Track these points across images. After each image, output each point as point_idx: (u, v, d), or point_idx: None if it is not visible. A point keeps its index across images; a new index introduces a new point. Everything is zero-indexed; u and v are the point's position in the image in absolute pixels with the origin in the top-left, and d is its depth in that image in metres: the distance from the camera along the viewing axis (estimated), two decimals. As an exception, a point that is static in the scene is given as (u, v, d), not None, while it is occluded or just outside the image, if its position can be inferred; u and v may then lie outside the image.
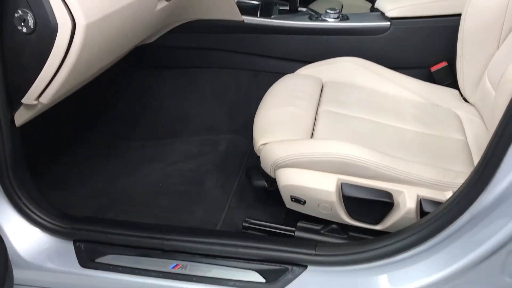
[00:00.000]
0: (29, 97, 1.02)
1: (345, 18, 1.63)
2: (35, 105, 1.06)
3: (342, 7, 2.24)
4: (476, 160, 1.23)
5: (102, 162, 1.64)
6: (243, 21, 1.63)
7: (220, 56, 1.72)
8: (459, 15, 1.44)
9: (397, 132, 1.33)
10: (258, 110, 1.39)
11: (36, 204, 1.11)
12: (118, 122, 1.81)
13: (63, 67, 0.98)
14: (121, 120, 1.80)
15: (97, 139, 1.74)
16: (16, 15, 0.93)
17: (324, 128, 1.30)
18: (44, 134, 1.57)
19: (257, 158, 1.27)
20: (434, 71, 1.60)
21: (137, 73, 1.79)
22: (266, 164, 1.22)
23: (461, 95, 1.53)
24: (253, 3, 1.85)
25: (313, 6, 2.06)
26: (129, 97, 1.82)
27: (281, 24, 1.63)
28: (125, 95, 1.82)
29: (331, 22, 1.62)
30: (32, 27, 0.93)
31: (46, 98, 1.03)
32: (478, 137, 1.35)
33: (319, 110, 1.39)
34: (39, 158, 1.46)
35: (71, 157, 1.65)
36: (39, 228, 1.12)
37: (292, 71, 1.58)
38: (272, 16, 1.71)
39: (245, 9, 1.68)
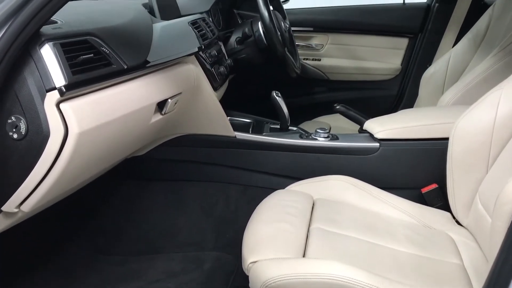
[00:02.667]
0: (10, 205, 0.97)
1: (334, 137, 1.67)
2: (15, 213, 1.01)
3: (330, 128, 2.32)
4: (476, 285, 1.18)
5: (79, 278, 1.53)
6: (235, 136, 1.65)
7: (210, 170, 1.71)
8: (447, 138, 1.48)
9: (391, 253, 1.28)
10: (248, 225, 1.35)
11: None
12: (99, 235, 1.73)
13: (49, 176, 0.95)
14: (103, 233, 1.73)
15: (76, 252, 1.65)
16: (9, 121, 0.92)
17: (317, 247, 1.25)
18: (20, 244, 1.48)
19: (245, 278, 1.20)
20: (424, 193, 1.60)
21: (123, 185, 1.76)
22: (256, 284, 1.14)
23: (454, 217, 1.51)
24: (245, 121, 1.90)
25: (302, 126, 2.12)
26: (113, 209, 1.76)
27: (272, 141, 1.66)
28: (109, 207, 1.77)
29: (321, 141, 1.65)
30: (23, 133, 0.92)
31: (28, 207, 0.98)
32: (476, 262, 1.31)
33: (311, 227, 1.35)
34: (11, 271, 1.36)
35: (47, 271, 1.54)
36: None
37: (282, 187, 1.56)
38: (264, 133, 1.74)
39: (237, 126, 1.71)
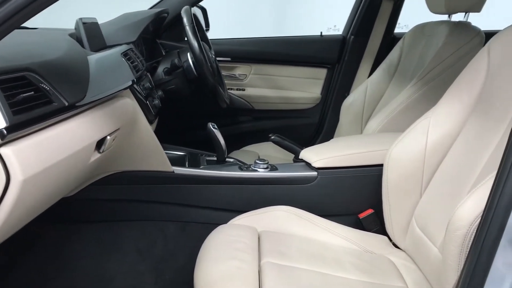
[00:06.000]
0: None
1: (274, 168, 1.67)
2: None
3: (259, 157, 2.33)
4: (425, 307, 1.22)
5: None
6: (173, 171, 1.59)
7: (146, 208, 1.62)
8: (381, 165, 1.55)
9: (343, 282, 1.30)
10: (197, 265, 1.29)
11: None
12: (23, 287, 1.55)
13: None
14: (27, 285, 1.55)
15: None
16: None
17: (272, 282, 1.22)
18: None
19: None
20: (362, 218, 1.65)
21: (49, 229, 1.60)
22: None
23: (391, 241, 1.58)
24: (179, 154, 1.84)
25: (231, 155, 2.10)
26: (39, 256, 1.59)
27: (212, 174, 1.61)
28: (34, 254, 1.59)
29: (261, 172, 1.64)
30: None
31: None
32: (419, 284, 1.36)
33: (262, 262, 1.32)
34: None
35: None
36: None
37: (224, 221, 1.52)
38: (201, 167, 1.70)
39: (172, 160, 1.65)
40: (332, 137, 2.54)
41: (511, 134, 0.83)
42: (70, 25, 1.73)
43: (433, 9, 1.99)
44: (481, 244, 0.83)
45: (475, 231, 0.96)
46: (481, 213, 0.97)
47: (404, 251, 1.54)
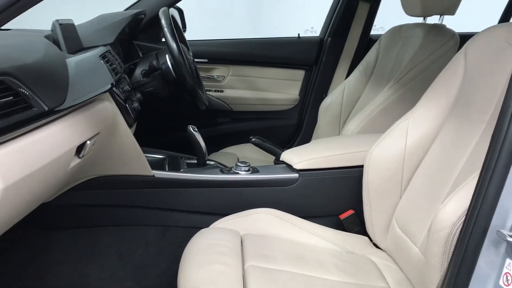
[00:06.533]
0: None
1: (255, 170, 1.66)
2: None
3: (238, 159, 2.33)
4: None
5: None
6: (154, 175, 1.57)
7: (126, 213, 1.60)
8: (361, 166, 1.57)
9: (326, 284, 1.31)
10: (180, 270, 1.27)
11: None
12: (-2, 296, 1.50)
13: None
14: (3, 293, 1.51)
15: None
16: None
17: (256, 286, 1.22)
18: None
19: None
20: (343, 219, 1.67)
21: (26, 236, 1.56)
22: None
23: (371, 241, 1.59)
24: (158, 157, 1.81)
25: (210, 157, 2.09)
26: (16, 264, 1.54)
27: (193, 178, 1.60)
28: (11, 261, 1.55)
29: (243, 174, 1.64)
30: None
31: None
32: (400, 283, 1.38)
33: (245, 266, 1.32)
34: None
35: None
36: None
37: (205, 225, 1.51)
38: (182, 170, 1.68)
39: (151, 164, 1.62)
40: (310, 138, 2.56)
41: (493, 137, 0.85)
42: (40, 26, 1.69)
43: (409, 11, 2.02)
44: (466, 245, 0.85)
45: (458, 232, 0.99)
46: (464, 214, 0.99)
47: (384, 251, 1.56)
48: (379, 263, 1.49)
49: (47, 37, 1.42)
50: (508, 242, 0.80)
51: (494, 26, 1.36)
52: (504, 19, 2.75)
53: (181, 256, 1.37)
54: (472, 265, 0.84)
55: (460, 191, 1.02)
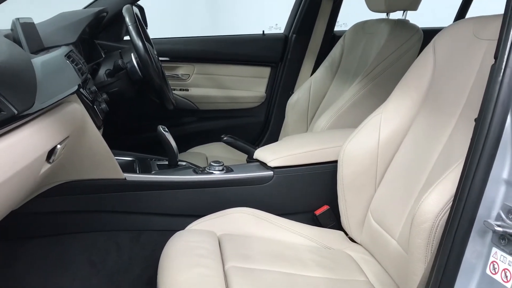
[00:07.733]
0: None
1: (229, 170, 1.64)
2: None
3: (207, 158, 2.30)
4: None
5: None
6: (125, 178, 1.52)
7: (97, 219, 1.54)
8: (335, 161, 1.57)
9: (307, 281, 1.30)
10: (160, 275, 1.23)
11: None
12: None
13: None
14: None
15: None
16: None
17: (239, 287, 1.20)
18: None
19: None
20: (318, 215, 1.67)
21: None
22: None
23: (347, 235, 1.61)
24: (127, 159, 1.76)
25: (181, 157, 2.05)
26: None
27: (166, 179, 1.56)
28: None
29: (217, 174, 1.61)
30: None
31: None
32: (378, 276, 1.40)
33: (226, 267, 1.29)
34: None
35: None
36: None
37: (181, 227, 1.48)
38: (153, 172, 1.63)
39: (122, 166, 1.57)
40: (278, 135, 2.56)
41: (475, 128, 0.87)
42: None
43: (373, 7, 2.05)
44: (453, 236, 0.86)
45: (441, 223, 1.00)
46: (447, 205, 1.01)
47: (361, 244, 1.58)
48: (356, 257, 1.51)
49: (7, 36, 1.35)
50: (495, 231, 0.81)
51: (462, 20, 1.40)
52: (460, 16, 2.85)
53: (156, 260, 1.33)
54: (459, 256, 0.86)
55: (441, 183, 1.04)
